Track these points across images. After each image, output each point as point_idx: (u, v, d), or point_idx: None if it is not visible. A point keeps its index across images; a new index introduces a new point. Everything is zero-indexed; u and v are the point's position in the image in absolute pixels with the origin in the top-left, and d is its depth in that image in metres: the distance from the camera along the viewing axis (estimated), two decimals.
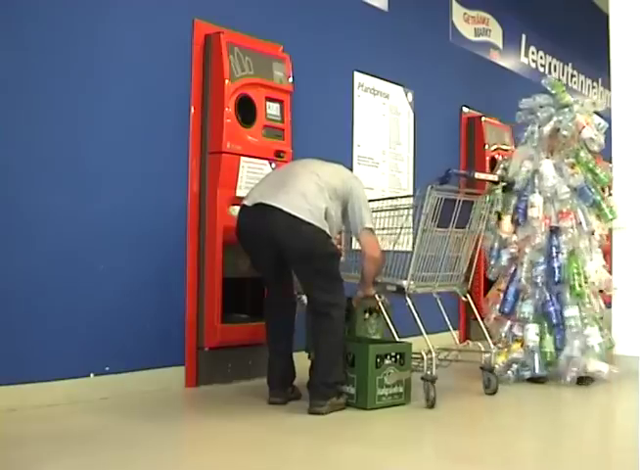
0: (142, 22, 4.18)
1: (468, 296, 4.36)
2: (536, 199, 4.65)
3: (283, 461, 2.92)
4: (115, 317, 3.97)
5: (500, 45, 7.64)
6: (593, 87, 9.85)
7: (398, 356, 3.89)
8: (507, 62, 7.80)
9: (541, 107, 4.84)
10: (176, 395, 4.13)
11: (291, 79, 4.76)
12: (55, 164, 3.76)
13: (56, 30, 3.78)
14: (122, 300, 4.02)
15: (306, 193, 3.69)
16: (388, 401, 3.82)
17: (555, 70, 8.83)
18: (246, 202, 3.82)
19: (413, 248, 4.05)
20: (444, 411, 3.88)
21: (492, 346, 4.27)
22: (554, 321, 4.52)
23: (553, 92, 4.85)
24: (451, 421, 3.75)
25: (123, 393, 3.89)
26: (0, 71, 3.56)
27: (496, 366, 4.34)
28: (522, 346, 4.56)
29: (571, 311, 4.52)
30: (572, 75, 9.25)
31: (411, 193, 6.23)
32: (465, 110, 7.00)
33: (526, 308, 4.62)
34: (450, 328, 4.38)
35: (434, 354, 3.88)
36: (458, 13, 6.99)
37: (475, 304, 4.45)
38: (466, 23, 7.10)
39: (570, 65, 9.12)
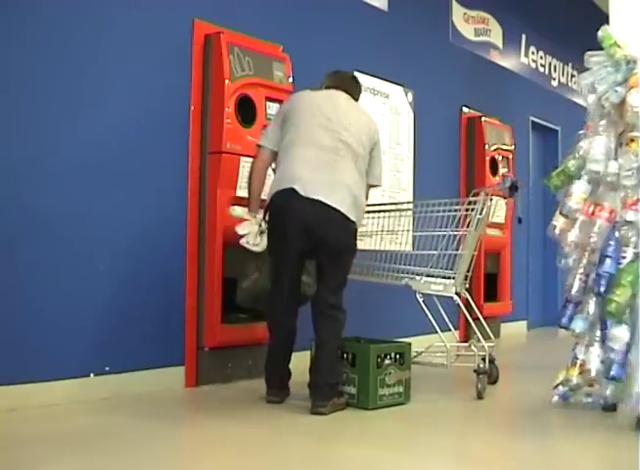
0: (142, 22, 4.18)
1: (467, 293, 4.42)
2: (576, 186, 3.91)
3: (284, 461, 2.92)
4: (115, 317, 3.97)
5: (500, 45, 7.64)
6: None
7: (398, 356, 3.90)
8: (507, 62, 7.80)
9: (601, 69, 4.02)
10: (176, 395, 4.13)
11: (291, 79, 4.76)
12: (55, 165, 3.76)
13: (55, 30, 3.78)
14: (122, 300, 4.02)
15: (351, 185, 3.77)
16: (389, 401, 3.83)
17: (555, 71, 8.84)
18: (295, 186, 3.69)
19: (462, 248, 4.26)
20: (445, 411, 3.89)
21: (486, 347, 4.26)
22: (604, 343, 3.67)
23: (605, 46, 4.09)
24: (452, 421, 3.76)
25: (123, 393, 3.89)
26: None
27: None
28: (581, 372, 3.78)
29: (616, 331, 3.59)
30: (572, 75, 9.25)
31: (411, 195, 6.25)
32: (465, 110, 7.00)
33: (579, 324, 3.82)
34: (451, 328, 4.39)
35: (487, 347, 4.17)
36: (458, 13, 6.99)
37: (475, 303, 4.48)
38: (466, 23, 7.11)
39: (570, 65, 9.12)
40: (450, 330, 4.41)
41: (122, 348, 3.98)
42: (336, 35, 5.47)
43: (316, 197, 3.68)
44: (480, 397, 4.09)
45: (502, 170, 6.97)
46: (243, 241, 3.88)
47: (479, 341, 4.31)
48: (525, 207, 7.86)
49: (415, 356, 4.25)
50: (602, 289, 3.62)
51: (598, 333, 3.73)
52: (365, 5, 5.81)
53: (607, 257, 3.64)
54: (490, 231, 6.47)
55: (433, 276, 4.31)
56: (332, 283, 3.78)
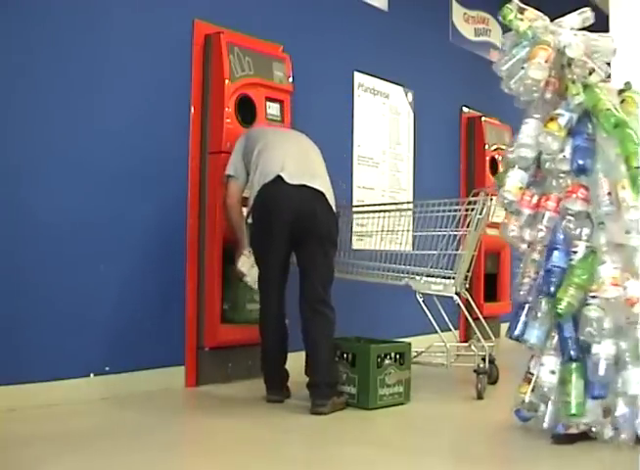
0: (142, 21, 4.18)
1: (467, 293, 4.44)
2: (510, 175, 3.37)
3: (284, 461, 2.92)
4: (115, 317, 3.97)
5: (500, 45, 7.62)
6: None
7: (398, 356, 3.90)
8: None
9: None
10: (176, 394, 4.13)
11: (291, 79, 4.76)
12: (55, 165, 3.76)
13: (55, 30, 3.78)
14: (122, 300, 4.02)
15: (326, 178, 3.93)
16: (389, 401, 3.84)
17: None
18: (281, 174, 3.76)
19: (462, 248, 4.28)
20: (445, 411, 3.89)
21: (486, 347, 4.26)
22: (571, 354, 3.11)
23: (508, 24, 3.59)
24: (452, 421, 3.76)
25: (123, 393, 3.89)
26: None
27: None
28: (533, 389, 3.25)
29: (600, 347, 3.05)
30: None
31: (411, 195, 6.25)
32: (465, 110, 7.00)
33: (534, 333, 3.23)
34: (451, 328, 4.39)
35: (486, 347, 4.16)
36: (458, 13, 6.99)
37: (475, 303, 4.49)
38: (466, 23, 7.11)
39: None
40: (450, 330, 4.41)
41: (122, 348, 3.98)
42: (336, 35, 5.47)
43: (302, 182, 3.77)
44: (479, 397, 4.09)
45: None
46: (246, 279, 4.03)
47: (479, 341, 4.32)
48: None
49: (415, 356, 4.25)
50: (552, 288, 3.14)
51: (553, 341, 3.18)
52: (365, 5, 5.81)
53: (555, 249, 3.19)
54: (490, 231, 6.46)
55: (433, 276, 4.31)
56: (322, 277, 3.78)
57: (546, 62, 3.21)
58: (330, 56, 5.38)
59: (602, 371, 3.01)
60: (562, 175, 3.23)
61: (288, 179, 3.76)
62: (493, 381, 4.41)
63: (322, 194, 3.80)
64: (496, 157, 6.99)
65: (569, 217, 3.15)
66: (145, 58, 4.17)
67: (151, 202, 4.16)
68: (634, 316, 3.03)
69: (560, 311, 3.07)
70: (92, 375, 3.83)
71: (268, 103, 4.59)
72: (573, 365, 3.09)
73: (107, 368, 3.89)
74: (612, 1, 5.59)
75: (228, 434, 3.30)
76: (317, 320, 3.74)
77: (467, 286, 4.44)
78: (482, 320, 4.64)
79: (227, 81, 4.37)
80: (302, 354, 3.83)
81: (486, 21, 7.40)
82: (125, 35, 4.08)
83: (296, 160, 3.87)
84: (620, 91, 3.32)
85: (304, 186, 3.77)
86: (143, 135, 4.15)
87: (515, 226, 3.39)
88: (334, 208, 3.86)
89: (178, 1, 4.40)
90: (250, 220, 3.92)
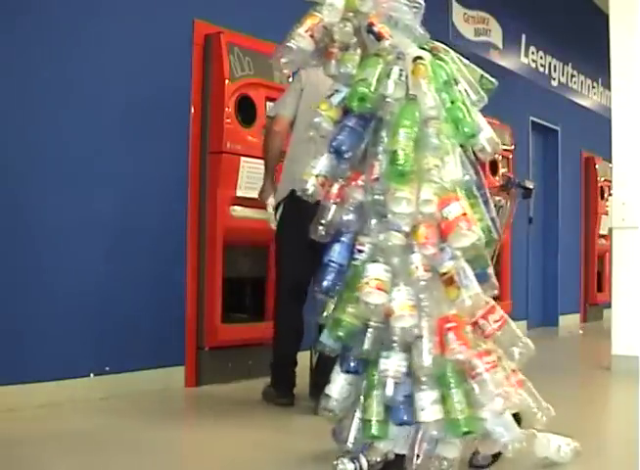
0: (142, 22, 4.18)
1: None
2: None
3: (284, 461, 2.92)
4: (116, 317, 3.97)
5: (500, 45, 7.63)
6: (593, 87, 9.86)
7: None
8: (507, 62, 7.80)
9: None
10: (176, 395, 4.13)
11: (291, 79, 4.75)
12: (55, 165, 3.76)
13: (54, 30, 3.78)
14: (122, 300, 4.02)
15: None
16: None
17: (555, 71, 8.83)
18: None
19: None
20: None
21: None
22: (350, 366, 2.61)
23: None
24: None
25: (123, 393, 3.89)
26: None
27: None
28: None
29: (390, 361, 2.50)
30: (572, 75, 9.25)
31: None
32: None
33: (330, 342, 2.64)
34: None
35: None
36: (458, 13, 6.98)
37: None
38: (466, 24, 7.10)
39: (569, 65, 9.12)
40: None
41: (122, 348, 3.98)
42: None
43: None
44: None
45: (502, 170, 6.97)
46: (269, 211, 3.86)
47: None
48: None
49: None
50: (325, 284, 2.58)
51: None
52: None
53: (337, 241, 2.62)
54: None
55: None
56: None
57: (307, 31, 2.67)
58: None
59: (390, 391, 2.46)
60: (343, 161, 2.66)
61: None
62: None
63: None
64: (496, 157, 6.99)
65: (348, 208, 2.60)
66: (145, 58, 4.17)
67: (151, 202, 4.16)
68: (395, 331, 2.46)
69: (340, 335, 2.55)
70: (92, 375, 3.83)
71: (268, 103, 4.59)
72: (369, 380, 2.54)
73: (107, 368, 3.89)
74: (612, 1, 5.59)
75: (228, 434, 3.30)
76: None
77: None
78: None
79: (227, 81, 4.37)
80: (305, 354, 3.84)
81: (486, 21, 7.40)
82: (125, 35, 4.08)
83: None
84: (415, 58, 2.66)
85: None
86: (143, 135, 4.15)
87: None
88: None
89: (178, 1, 4.40)
90: (279, 211, 3.81)
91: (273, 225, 3.87)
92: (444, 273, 2.47)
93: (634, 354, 4.93)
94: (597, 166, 9.29)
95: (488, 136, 2.67)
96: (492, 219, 2.71)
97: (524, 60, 8.18)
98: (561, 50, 8.81)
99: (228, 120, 4.36)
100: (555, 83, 8.87)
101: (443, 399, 2.46)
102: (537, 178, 8.17)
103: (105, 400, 3.79)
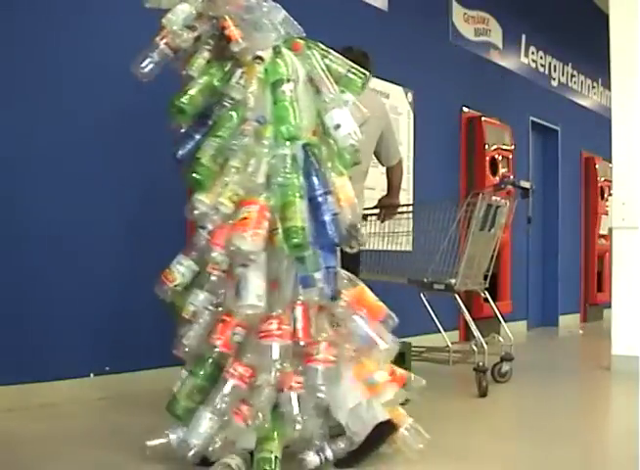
0: (142, 21, 4.16)
1: (486, 293, 4.51)
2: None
3: (282, 459, 2.91)
4: (116, 317, 3.97)
5: (500, 45, 7.63)
6: (593, 87, 9.86)
7: (398, 356, 3.89)
8: (507, 62, 7.80)
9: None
10: None
11: None
12: (56, 166, 3.76)
13: (54, 30, 3.78)
14: (122, 299, 4.02)
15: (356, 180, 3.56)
16: None
17: (555, 71, 8.84)
18: None
19: (461, 248, 4.29)
20: (444, 410, 3.89)
21: (485, 346, 4.27)
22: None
23: None
24: (451, 420, 3.75)
25: (123, 393, 3.88)
26: None
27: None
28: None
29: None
30: (572, 75, 9.25)
31: (411, 196, 6.25)
32: (465, 110, 7.00)
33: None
34: (441, 328, 4.41)
35: (485, 347, 4.13)
36: (458, 13, 6.98)
37: (471, 301, 4.53)
38: (466, 24, 7.10)
39: (569, 65, 9.12)
40: (457, 329, 4.45)
41: (122, 348, 3.98)
42: (336, 35, 5.45)
43: None
44: (482, 395, 4.09)
45: (502, 170, 6.98)
46: None
47: (494, 338, 4.40)
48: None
49: (423, 351, 4.30)
50: None
51: None
52: (365, 5, 5.80)
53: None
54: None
55: (434, 276, 4.31)
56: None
57: (162, 39, 2.84)
58: None
59: (228, 389, 2.58)
60: None
61: None
62: (506, 379, 4.48)
63: None
64: (496, 157, 7.00)
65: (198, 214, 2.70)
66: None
67: (151, 201, 4.16)
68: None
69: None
70: (92, 375, 3.83)
71: None
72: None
73: (107, 368, 3.89)
74: (612, 1, 5.59)
75: None
76: None
77: (486, 286, 4.53)
78: (501, 319, 4.71)
79: None
80: None
81: (486, 21, 7.40)
82: (125, 35, 4.07)
83: None
84: (254, 58, 2.69)
85: None
86: (144, 136, 4.15)
87: None
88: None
89: None
90: None
91: None
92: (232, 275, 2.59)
93: (634, 354, 4.94)
94: (597, 166, 9.29)
95: (346, 132, 2.67)
96: (322, 222, 2.61)
97: (524, 60, 8.18)
98: (561, 50, 8.81)
99: None
100: (555, 83, 8.87)
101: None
102: (537, 178, 8.18)
103: (105, 400, 3.79)
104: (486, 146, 6.90)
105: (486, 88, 7.36)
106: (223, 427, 2.57)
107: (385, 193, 4.50)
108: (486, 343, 4.30)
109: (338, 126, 2.65)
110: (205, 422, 2.57)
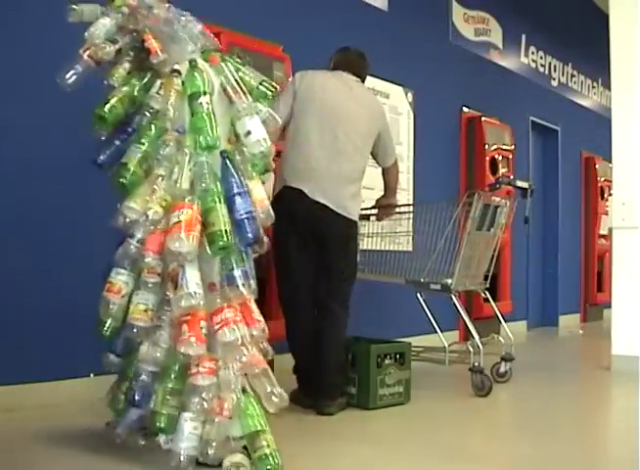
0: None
1: (487, 293, 4.53)
2: None
3: (284, 460, 2.92)
4: None
5: (500, 45, 7.64)
6: (593, 87, 9.86)
7: (398, 356, 3.90)
8: (507, 62, 7.80)
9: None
10: None
11: (291, 79, 4.75)
12: (56, 166, 3.76)
13: (54, 30, 3.77)
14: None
15: (352, 178, 3.82)
16: (389, 401, 3.84)
17: (555, 71, 8.84)
18: (302, 188, 3.70)
19: (458, 248, 4.29)
20: (444, 410, 3.89)
21: (481, 346, 4.27)
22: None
23: None
24: (451, 420, 3.76)
25: None
26: None
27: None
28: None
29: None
30: (572, 75, 9.26)
31: (411, 196, 6.25)
32: (465, 110, 7.00)
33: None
34: (437, 329, 4.40)
35: (481, 347, 4.14)
36: (458, 13, 6.99)
37: (471, 301, 4.52)
38: (466, 24, 7.10)
39: (569, 65, 9.13)
40: (457, 329, 4.45)
41: None
42: (336, 35, 5.46)
43: (322, 200, 3.70)
44: (479, 395, 4.10)
45: (502, 170, 6.98)
46: None
47: (494, 338, 4.42)
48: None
49: (422, 351, 4.31)
50: None
51: None
52: (365, 5, 5.80)
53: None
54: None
55: (432, 276, 4.31)
56: (342, 274, 3.80)
57: (85, 51, 2.87)
58: (329, 56, 5.36)
59: (203, 387, 2.67)
60: None
61: (310, 195, 3.69)
62: (506, 379, 4.50)
63: (339, 214, 3.73)
64: (496, 157, 7.00)
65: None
66: None
67: None
68: None
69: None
70: (92, 375, 3.83)
71: None
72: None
73: None
74: (612, 1, 5.60)
75: None
76: (330, 317, 3.75)
77: (487, 286, 4.54)
78: (501, 319, 4.72)
79: None
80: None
81: (486, 21, 7.40)
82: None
83: (319, 163, 3.73)
84: (172, 71, 2.82)
85: (324, 205, 3.70)
86: None
87: None
88: (354, 216, 3.82)
89: (178, 1, 4.38)
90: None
91: None
92: (169, 274, 2.69)
93: (634, 354, 4.94)
94: (597, 166, 9.29)
95: (256, 139, 2.80)
96: (238, 221, 2.71)
97: (524, 60, 8.19)
98: (561, 50, 8.82)
99: None
100: (555, 83, 8.87)
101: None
102: (537, 178, 8.18)
103: (104, 400, 3.78)
104: (486, 146, 6.90)
105: (486, 88, 7.37)
106: (209, 426, 2.62)
107: (383, 193, 4.50)
108: (487, 343, 4.31)
109: (248, 133, 2.80)
110: (188, 424, 2.62)
